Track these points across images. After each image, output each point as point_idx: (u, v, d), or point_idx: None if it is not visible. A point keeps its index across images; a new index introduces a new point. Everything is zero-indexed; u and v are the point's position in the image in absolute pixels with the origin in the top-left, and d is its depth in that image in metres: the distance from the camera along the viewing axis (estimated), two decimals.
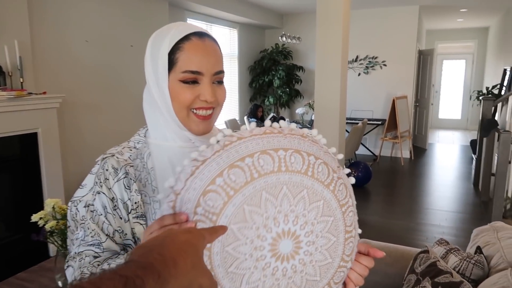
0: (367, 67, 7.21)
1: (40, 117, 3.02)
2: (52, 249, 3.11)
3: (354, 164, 5.38)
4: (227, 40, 6.91)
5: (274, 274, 0.62)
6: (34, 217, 1.91)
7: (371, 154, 7.35)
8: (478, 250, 1.51)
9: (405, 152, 7.13)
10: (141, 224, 0.79)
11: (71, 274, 0.78)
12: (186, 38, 0.77)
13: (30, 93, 2.92)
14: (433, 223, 4.06)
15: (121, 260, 0.74)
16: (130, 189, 0.79)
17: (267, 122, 0.66)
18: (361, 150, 7.38)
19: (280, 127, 0.65)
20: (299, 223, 0.62)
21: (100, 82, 3.95)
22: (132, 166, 0.81)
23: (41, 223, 1.92)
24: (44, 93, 3.06)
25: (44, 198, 3.04)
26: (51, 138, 3.12)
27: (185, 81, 0.77)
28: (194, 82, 0.77)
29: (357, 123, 6.00)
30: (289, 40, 6.28)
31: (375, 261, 2.02)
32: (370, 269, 1.77)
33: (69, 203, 0.83)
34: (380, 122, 6.96)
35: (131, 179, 0.79)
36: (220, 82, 0.82)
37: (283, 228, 0.61)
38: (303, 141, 0.65)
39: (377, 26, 7.02)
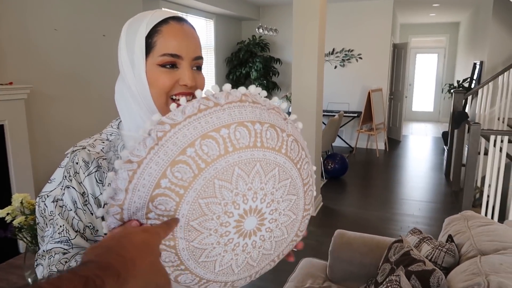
0: (343, 60, 7.28)
1: (7, 109, 2.90)
2: (22, 245, 3.00)
3: (331, 156, 5.43)
4: (204, 31, 6.81)
5: (234, 250, 0.61)
6: (1, 213, 1.83)
7: (347, 146, 7.45)
8: (450, 238, 1.55)
9: (380, 144, 7.26)
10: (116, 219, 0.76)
11: (40, 272, 0.74)
12: (164, 21, 0.75)
13: None
14: (407, 213, 4.15)
15: None
16: (102, 183, 0.75)
17: (198, 92, 0.60)
18: (338, 142, 7.47)
19: (214, 94, 0.60)
20: (266, 201, 0.61)
21: (70, 73, 3.82)
22: (105, 159, 0.77)
23: (8, 219, 1.85)
24: (11, 83, 2.94)
25: (12, 193, 2.92)
26: (18, 131, 3.00)
27: (163, 65, 0.73)
28: (173, 66, 0.74)
29: (334, 116, 6.05)
30: (266, 32, 6.25)
31: (351, 252, 2.04)
32: (347, 261, 1.78)
33: (37, 199, 0.79)
34: (356, 115, 7.04)
35: (104, 172, 0.76)
36: (199, 68, 0.79)
37: (250, 206, 0.59)
38: (245, 107, 0.59)
39: (353, 20, 7.07)
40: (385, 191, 4.92)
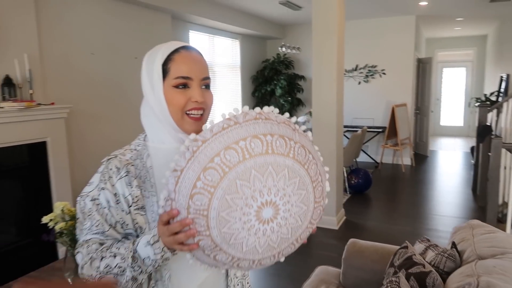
0: (366, 76, 7.36)
1: (49, 127, 3.19)
2: (60, 251, 3.25)
3: (354, 171, 5.49)
4: (229, 50, 7.10)
5: (256, 234, 0.77)
6: (45, 219, 2.06)
7: (372, 161, 7.45)
8: (453, 245, 1.63)
9: (406, 159, 7.23)
10: (141, 214, 0.92)
11: (80, 259, 0.91)
12: (175, 51, 0.93)
13: (39, 104, 3.10)
14: (432, 228, 4.15)
15: (127, 245, 0.87)
16: (131, 185, 0.92)
17: (223, 113, 0.80)
18: (363, 158, 7.49)
19: (235, 115, 0.78)
20: (279, 195, 0.77)
21: (105, 93, 4.13)
22: (133, 165, 0.95)
23: (51, 224, 2.07)
24: (53, 104, 3.23)
25: (53, 202, 3.19)
26: (59, 146, 3.28)
27: (177, 86, 0.91)
28: (185, 86, 0.92)
29: (357, 131, 6.12)
30: (288, 50, 6.45)
31: (363, 259, 2.16)
32: (359, 268, 1.90)
33: (78, 198, 0.96)
34: (380, 130, 7.07)
35: (132, 176, 0.93)
36: (207, 87, 0.96)
37: (266, 199, 0.76)
38: (258, 123, 0.77)
39: (376, 36, 7.17)
40: (410, 205, 4.92)
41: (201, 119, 0.95)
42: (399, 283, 1.35)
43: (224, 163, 0.72)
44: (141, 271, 0.85)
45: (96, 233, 0.91)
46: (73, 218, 2.07)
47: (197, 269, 0.95)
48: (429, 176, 6.45)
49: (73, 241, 2.11)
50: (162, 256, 0.82)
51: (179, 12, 4.99)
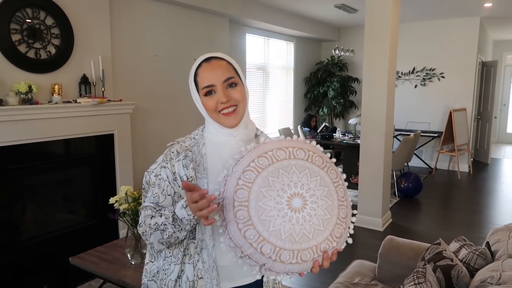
0: (424, 79, 7.17)
1: (116, 121, 3.56)
2: (121, 231, 3.62)
3: (404, 175, 5.42)
4: (284, 52, 7.26)
5: (290, 221, 0.92)
6: (112, 200, 2.37)
7: (426, 166, 7.25)
8: (487, 245, 1.67)
9: (463, 165, 6.95)
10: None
11: (140, 218, 1.14)
12: (199, 66, 1.14)
13: (109, 100, 3.46)
14: (484, 236, 4.02)
15: (170, 208, 1.07)
16: (187, 167, 1.13)
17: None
18: (416, 162, 7.31)
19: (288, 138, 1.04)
20: (304, 188, 0.94)
21: (166, 92, 4.48)
22: (191, 151, 1.16)
23: (116, 205, 2.37)
24: (120, 100, 3.60)
25: (117, 186, 3.56)
26: (124, 139, 3.64)
27: (206, 94, 1.12)
28: (212, 92, 1.11)
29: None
30: (342, 53, 6.48)
31: (399, 255, 2.27)
32: (394, 263, 2.04)
33: (145, 172, 1.21)
34: (436, 135, 6.87)
35: (188, 160, 1.14)
36: (234, 85, 1.13)
37: (294, 191, 0.93)
38: (305, 144, 1.03)
39: (436, 38, 6.98)
40: (464, 213, 4.77)
41: (234, 113, 1.12)
42: (425, 274, 1.44)
43: (258, 166, 0.93)
44: (181, 229, 1.04)
45: (152, 202, 1.14)
46: (135, 200, 2.35)
47: None
48: (488, 184, 6.16)
49: (134, 221, 2.40)
50: (194, 216, 1.00)
51: (237, 16, 5.25)
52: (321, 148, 1.05)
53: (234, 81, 1.13)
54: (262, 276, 1.19)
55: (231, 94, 1.12)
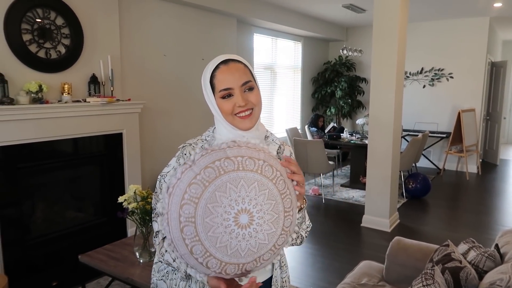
0: (432, 79, 7.13)
1: (125, 120, 3.58)
2: (129, 230, 3.65)
3: (412, 176, 5.39)
4: (292, 52, 7.26)
5: (237, 237, 0.92)
6: (120, 199, 2.39)
7: (434, 167, 7.21)
8: (496, 247, 1.65)
9: (471, 166, 6.90)
10: None
11: (156, 228, 1.15)
12: (216, 68, 1.13)
13: (118, 100, 3.49)
14: (493, 238, 3.99)
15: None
16: None
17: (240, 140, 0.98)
18: (424, 163, 7.26)
19: (240, 142, 0.96)
20: (252, 204, 0.92)
21: (174, 91, 4.50)
22: None
23: (125, 204, 2.38)
24: (129, 100, 3.62)
25: (125, 185, 3.59)
26: (132, 138, 3.67)
27: (223, 97, 1.11)
28: (230, 95, 1.11)
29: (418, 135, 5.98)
30: (350, 53, 6.46)
31: (406, 256, 2.25)
32: (402, 264, 2.02)
33: (159, 176, 1.21)
34: (444, 135, 6.82)
35: None
36: (251, 89, 1.13)
37: (241, 207, 0.91)
38: (255, 151, 0.95)
39: (444, 38, 6.93)
40: (472, 214, 4.74)
41: (250, 116, 1.12)
42: (433, 275, 1.43)
43: (204, 179, 0.89)
44: (190, 279, 1.08)
45: None
46: (144, 199, 2.37)
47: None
48: (497, 185, 6.11)
49: (142, 220, 2.41)
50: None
51: (245, 16, 5.26)
52: (274, 150, 1.03)
53: (251, 85, 1.13)
54: (271, 276, 1.20)
55: (249, 97, 1.12)
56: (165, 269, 1.20)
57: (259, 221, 0.92)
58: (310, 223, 1.24)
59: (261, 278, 1.19)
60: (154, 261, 1.25)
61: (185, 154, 1.15)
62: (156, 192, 1.20)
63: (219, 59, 1.14)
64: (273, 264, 1.20)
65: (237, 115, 1.11)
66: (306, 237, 1.23)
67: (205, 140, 1.19)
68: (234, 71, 1.11)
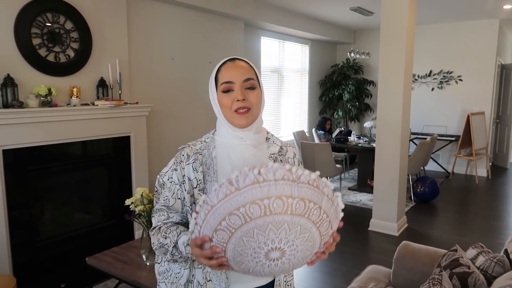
0: (441, 82, 7.07)
1: (133, 123, 3.61)
2: (136, 232, 3.66)
3: (421, 179, 5.34)
4: (299, 55, 7.25)
5: (262, 266, 0.93)
6: (128, 201, 2.40)
7: (443, 171, 7.14)
8: (505, 252, 1.63)
9: (481, 170, 6.82)
10: (201, 195, 1.14)
11: (154, 222, 1.17)
12: (223, 64, 1.16)
13: (126, 103, 3.52)
14: (503, 243, 3.93)
15: (174, 233, 1.08)
16: (197, 170, 1.15)
17: (255, 171, 0.88)
18: (433, 166, 7.20)
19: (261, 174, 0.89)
20: (283, 242, 0.90)
21: (182, 94, 4.52)
22: (201, 154, 1.17)
23: (132, 207, 2.40)
24: (137, 103, 3.64)
25: (132, 187, 3.61)
26: (140, 141, 3.69)
27: (224, 91, 1.13)
28: (230, 90, 1.12)
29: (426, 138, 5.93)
30: (357, 56, 6.44)
31: (414, 261, 2.24)
32: (410, 269, 2.02)
33: (158, 176, 1.23)
34: (453, 138, 6.76)
35: (198, 163, 1.15)
36: (252, 88, 1.14)
37: (271, 247, 0.90)
38: (286, 184, 0.87)
39: (453, 40, 6.88)
40: (482, 218, 4.68)
41: (246, 114, 1.13)
42: (441, 281, 1.42)
43: (247, 214, 0.86)
44: (180, 256, 1.08)
45: (164, 205, 1.17)
46: (150, 202, 2.38)
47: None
48: (507, 189, 6.03)
49: (149, 223, 2.42)
50: (191, 258, 1.05)
51: (252, 19, 5.27)
52: (310, 173, 0.91)
53: (253, 84, 1.14)
54: (274, 279, 1.20)
55: (248, 95, 1.13)
56: (164, 270, 1.21)
57: (293, 253, 0.93)
58: None
59: (262, 280, 1.19)
60: (156, 261, 1.26)
61: (182, 155, 1.17)
62: (157, 191, 1.23)
63: (227, 58, 1.18)
64: None
65: (235, 111, 1.12)
66: None
67: (205, 141, 1.20)
68: (238, 67, 1.14)
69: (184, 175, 1.15)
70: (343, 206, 0.98)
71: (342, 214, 0.99)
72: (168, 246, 1.08)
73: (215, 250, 0.91)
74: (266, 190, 0.86)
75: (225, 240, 0.89)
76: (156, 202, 1.21)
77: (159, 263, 1.24)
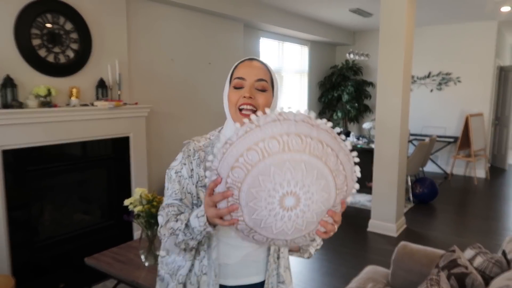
0: (440, 83, 7.09)
1: (132, 124, 3.61)
2: (135, 233, 3.67)
3: (419, 180, 5.35)
4: (298, 56, 7.26)
5: (282, 219, 0.89)
6: (126, 202, 2.40)
7: (442, 172, 7.15)
8: (503, 253, 1.64)
9: (479, 171, 6.84)
10: (203, 192, 1.15)
11: (160, 221, 1.15)
12: (241, 62, 1.17)
13: (125, 104, 3.52)
14: (501, 244, 3.95)
15: (186, 214, 1.09)
16: (199, 166, 1.16)
17: (274, 110, 0.92)
18: (432, 168, 7.22)
19: (281, 113, 0.90)
20: (298, 186, 0.87)
21: (181, 95, 4.53)
22: (204, 151, 1.18)
23: (131, 207, 2.40)
24: (136, 104, 3.65)
25: (132, 188, 3.61)
26: (139, 142, 3.70)
27: (235, 87, 1.13)
28: (241, 87, 1.12)
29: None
30: (357, 57, 6.45)
31: (412, 262, 2.24)
32: (408, 270, 2.01)
33: (167, 170, 1.22)
34: (452, 140, 6.77)
35: (201, 160, 1.16)
36: (263, 91, 1.13)
37: (287, 190, 0.87)
38: (305, 125, 0.88)
39: (452, 42, 6.89)
40: (480, 220, 4.69)
41: (251, 115, 1.12)
42: (439, 281, 1.43)
43: (247, 161, 0.85)
44: (192, 237, 1.05)
45: (175, 199, 1.15)
46: (149, 202, 2.38)
47: (240, 242, 1.14)
48: (505, 190, 6.05)
49: (148, 223, 2.43)
50: (205, 229, 1.01)
51: (251, 20, 5.28)
52: (327, 123, 0.92)
53: (264, 86, 1.14)
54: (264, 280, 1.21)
55: (257, 96, 1.12)
56: (171, 262, 1.22)
57: (307, 202, 0.88)
58: (322, 242, 1.22)
59: (257, 279, 1.20)
60: (162, 255, 1.27)
61: (189, 150, 1.17)
62: (167, 189, 1.20)
63: (246, 57, 1.20)
64: (266, 267, 1.21)
65: (241, 109, 1.12)
66: (313, 254, 1.23)
67: (209, 139, 1.21)
68: (254, 67, 1.15)
69: (193, 169, 1.15)
70: (359, 175, 0.96)
71: (358, 175, 0.96)
72: (180, 229, 1.06)
73: (229, 194, 0.89)
74: (286, 127, 0.86)
75: (241, 179, 0.86)
76: (165, 196, 1.20)
77: (164, 257, 1.25)
